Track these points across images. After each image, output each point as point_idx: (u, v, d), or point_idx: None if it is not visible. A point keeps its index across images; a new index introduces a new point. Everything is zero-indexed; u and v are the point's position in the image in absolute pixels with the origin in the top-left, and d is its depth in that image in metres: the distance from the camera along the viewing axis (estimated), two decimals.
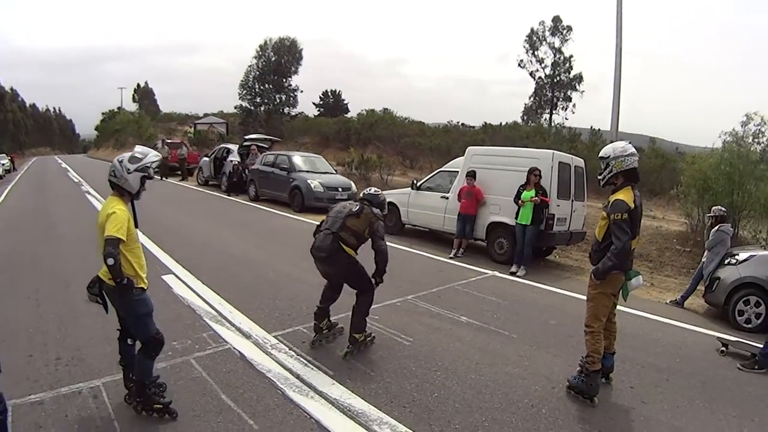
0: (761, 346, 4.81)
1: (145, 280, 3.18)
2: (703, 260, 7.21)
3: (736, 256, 6.58)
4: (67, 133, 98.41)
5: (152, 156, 3.24)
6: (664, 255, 10.18)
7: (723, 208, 7.44)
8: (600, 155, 3.90)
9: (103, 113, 64.45)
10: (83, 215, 11.00)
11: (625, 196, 3.67)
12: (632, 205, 3.63)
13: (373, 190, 4.64)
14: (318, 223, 4.45)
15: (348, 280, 4.32)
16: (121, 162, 3.15)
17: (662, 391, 4.01)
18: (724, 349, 5.09)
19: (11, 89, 68.94)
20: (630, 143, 3.90)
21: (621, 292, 3.88)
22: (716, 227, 7.08)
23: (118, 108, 60.78)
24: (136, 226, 3.20)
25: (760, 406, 3.91)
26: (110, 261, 2.84)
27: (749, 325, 6.13)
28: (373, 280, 4.26)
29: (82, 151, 73.29)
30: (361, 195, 4.61)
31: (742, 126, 10.78)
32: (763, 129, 10.82)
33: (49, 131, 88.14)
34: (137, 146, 3.41)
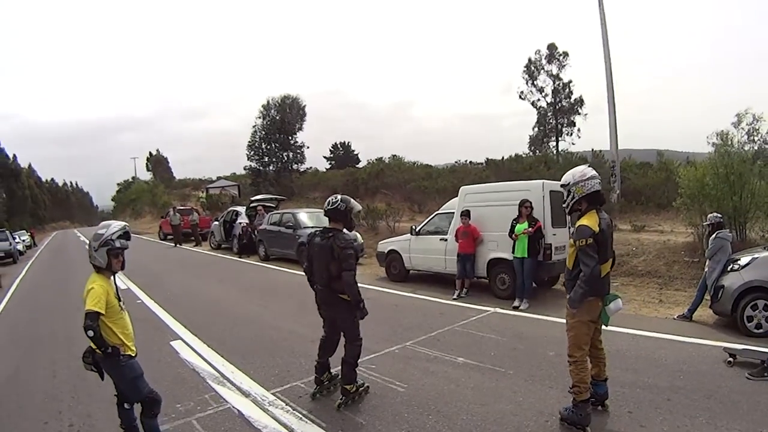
0: None
1: (132, 348, 3.37)
2: (705, 270, 7.12)
3: (738, 261, 6.52)
4: (85, 205, 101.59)
5: (113, 228, 3.37)
6: (673, 269, 10.03)
7: (719, 215, 7.34)
8: (560, 183, 3.93)
9: (118, 184, 66.31)
10: None
11: (589, 220, 3.69)
12: (597, 229, 3.64)
13: (331, 200, 4.33)
14: (304, 267, 4.56)
15: (342, 324, 4.39)
16: (89, 243, 3.37)
17: (662, 413, 3.94)
18: (731, 359, 4.98)
19: (28, 166, 71.31)
20: (590, 166, 3.96)
21: (600, 317, 3.87)
22: (714, 234, 7.01)
23: (132, 178, 62.20)
24: (119, 299, 3.37)
25: None
26: (89, 333, 3.06)
27: (760, 330, 6.01)
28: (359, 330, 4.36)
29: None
30: (323, 210, 4.40)
31: (734, 126, 10.72)
32: (756, 126, 10.74)
33: (68, 205, 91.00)
34: (102, 222, 3.58)
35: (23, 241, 29.72)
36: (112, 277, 3.40)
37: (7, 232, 24.87)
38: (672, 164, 18.89)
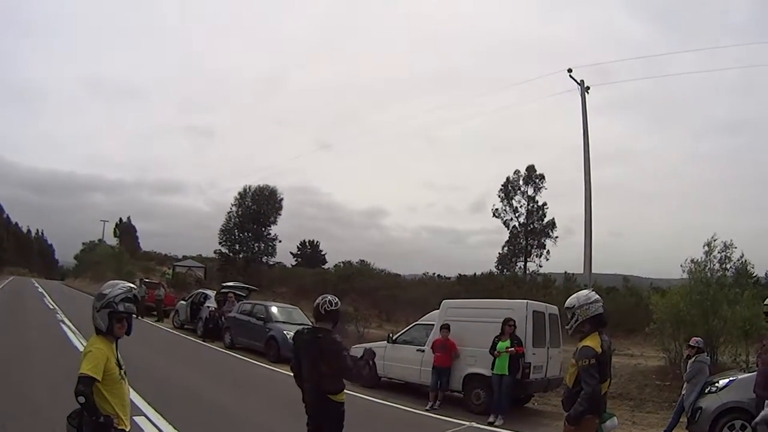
0: None
1: (127, 423, 3.05)
2: (683, 392, 7.20)
3: (716, 384, 6.66)
4: (46, 256, 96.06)
5: (117, 289, 3.09)
6: (644, 392, 10.12)
7: (700, 339, 7.50)
8: (566, 306, 4.01)
9: (83, 243, 64.47)
10: (55, 341, 11.01)
11: (592, 342, 3.77)
12: (599, 350, 3.72)
13: (331, 300, 4.11)
14: (291, 365, 4.37)
15: (327, 429, 4.08)
16: (92, 302, 3.10)
17: None
18: None
19: None
20: (593, 290, 4.15)
21: None
22: (693, 358, 7.14)
23: (99, 240, 60.23)
24: (120, 367, 3.09)
25: None
26: (81, 399, 2.78)
27: None
28: None
29: (60, 278, 71.30)
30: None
31: (705, 255, 11.07)
32: (728, 254, 11.22)
33: (29, 253, 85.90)
34: (108, 282, 3.32)
35: None
36: (115, 342, 3.11)
37: None
38: (642, 290, 19.57)
